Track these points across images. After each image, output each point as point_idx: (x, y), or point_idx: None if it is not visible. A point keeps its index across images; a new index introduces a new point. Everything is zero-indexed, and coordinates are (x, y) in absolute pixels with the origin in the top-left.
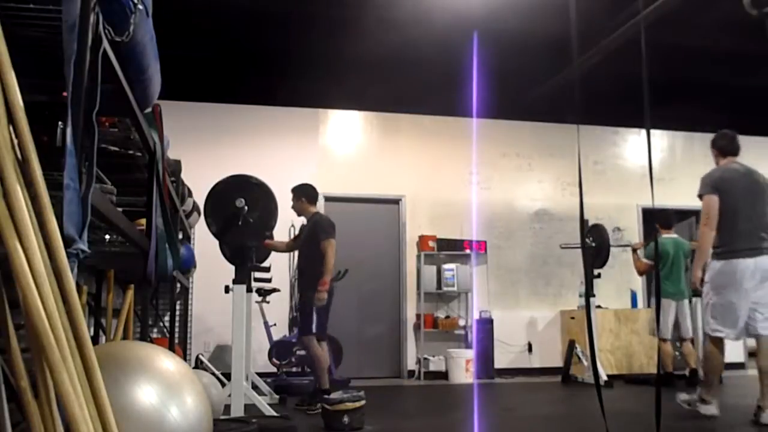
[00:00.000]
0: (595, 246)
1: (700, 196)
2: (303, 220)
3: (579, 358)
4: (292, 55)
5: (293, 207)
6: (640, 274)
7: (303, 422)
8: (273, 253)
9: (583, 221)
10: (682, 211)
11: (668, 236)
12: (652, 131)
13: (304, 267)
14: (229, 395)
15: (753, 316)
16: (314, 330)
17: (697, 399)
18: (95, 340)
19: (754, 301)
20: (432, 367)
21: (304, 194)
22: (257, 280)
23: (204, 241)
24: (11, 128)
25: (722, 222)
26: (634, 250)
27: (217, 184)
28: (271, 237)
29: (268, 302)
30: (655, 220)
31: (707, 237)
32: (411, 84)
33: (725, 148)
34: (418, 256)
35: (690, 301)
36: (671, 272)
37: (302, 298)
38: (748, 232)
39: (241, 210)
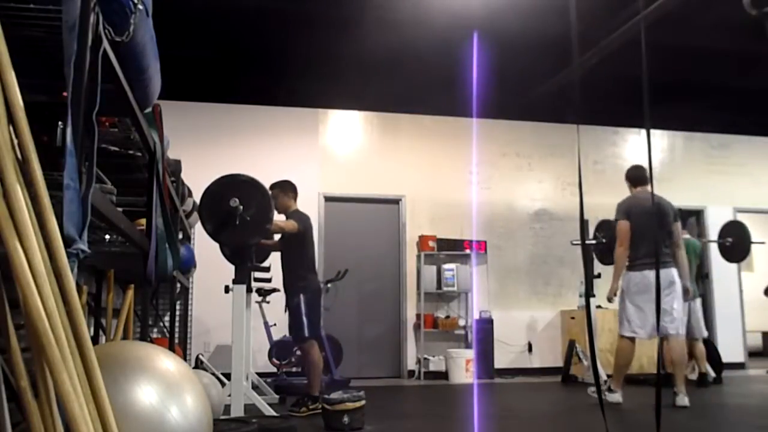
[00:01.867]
0: (605, 242)
1: (616, 221)
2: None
3: (579, 358)
4: (292, 55)
5: (277, 204)
6: None
7: (303, 422)
8: (273, 253)
9: (583, 221)
10: (681, 211)
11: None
12: (652, 131)
13: (285, 268)
14: (229, 395)
15: (661, 320)
16: (307, 334)
17: (606, 389)
18: (95, 340)
19: (662, 308)
20: (432, 367)
21: (291, 189)
22: (257, 280)
23: (204, 241)
24: (11, 128)
25: (633, 241)
26: None
27: (208, 188)
28: (271, 236)
29: (268, 302)
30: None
31: (622, 256)
32: (411, 84)
33: (636, 179)
34: (418, 256)
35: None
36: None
37: (289, 303)
38: (653, 249)
39: (236, 210)
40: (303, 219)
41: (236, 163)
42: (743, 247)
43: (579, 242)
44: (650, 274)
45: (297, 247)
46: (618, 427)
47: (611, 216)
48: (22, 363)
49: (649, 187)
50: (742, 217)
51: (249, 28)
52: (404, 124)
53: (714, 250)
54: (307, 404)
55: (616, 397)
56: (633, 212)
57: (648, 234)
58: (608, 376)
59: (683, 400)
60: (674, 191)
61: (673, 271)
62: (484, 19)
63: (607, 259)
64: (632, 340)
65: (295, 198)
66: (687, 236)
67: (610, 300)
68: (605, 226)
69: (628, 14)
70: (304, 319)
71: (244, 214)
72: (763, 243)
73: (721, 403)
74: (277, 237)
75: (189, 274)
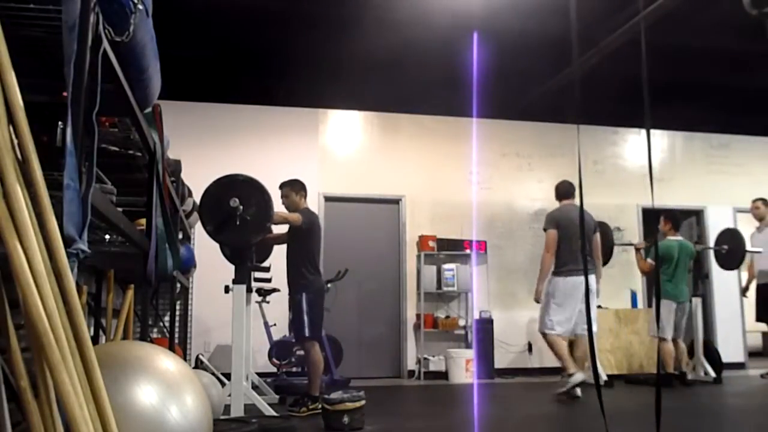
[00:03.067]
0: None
1: (545, 230)
2: None
3: None
4: (292, 55)
5: (286, 202)
6: (644, 273)
7: (303, 422)
8: (273, 253)
9: (583, 221)
10: (682, 211)
11: (674, 238)
12: (652, 131)
13: (289, 267)
14: (229, 395)
15: (576, 321)
16: (308, 334)
17: (565, 378)
18: (95, 340)
19: (579, 309)
20: (432, 367)
21: (302, 188)
22: (257, 280)
23: (204, 241)
24: (11, 128)
25: (560, 249)
26: (638, 250)
27: (208, 189)
28: (271, 231)
29: (268, 302)
30: (664, 221)
31: (548, 261)
32: (411, 84)
33: (563, 193)
34: (418, 256)
35: (690, 302)
36: (675, 274)
37: (291, 301)
38: (578, 257)
39: (236, 209)
40: (308, 215)
41: (236, 163)
42: (738, 254)
43: None
44: (574, 280)
45: (301, 244)
46: (618, 427)
47: (611, 216)
48: (22, 363)
49: (575, 201)
50: (741, 217)
51: (249, 28)
52: (404, 124)
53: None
54: (307, 404)
55: (577, 377)
56: (561, 224)
57: (575, 245)
58: (608, 376)
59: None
60: (674, 191)
61: (592, 279)
62: (484, 19)
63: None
64: (559, 336)
65: (304, 197)
66: (679, 238)
67: (537, 301)
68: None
69: (628, 14)
70: (305, 318)
71: (244, 214)
72: (760, 251)
73: (721, 403)
74: (283, 229)
75: (189, 274)
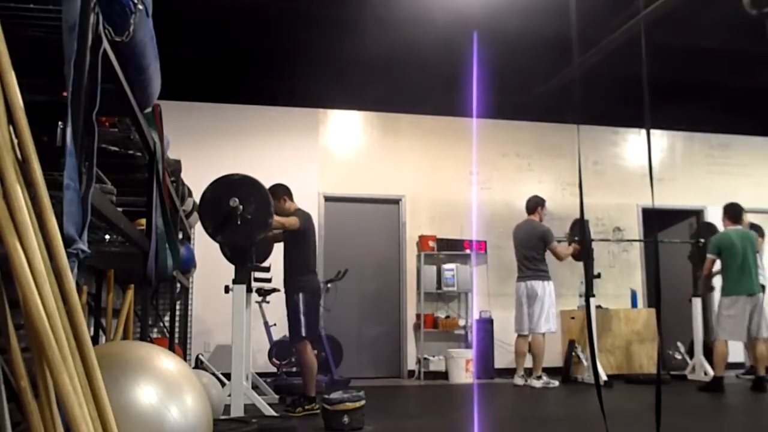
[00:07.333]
0: (577, 240)
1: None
2: None
3: (579, 358)
4: (292, 55)
5: (278, 210)
6: (706, 275)
7: (303, 422)
8: (273, 253)
9: (583, 221)
10: (681, 211)
11: (734, 228)
12: (652, 131)
13: (287, 267)
14: (229, 395)
15: (530, 322)
16: (304, 334)
17: (534, 378)
18: (95, 340)
19: (528, 313)
20: (432, 367)
21: (285, 192)
22: (257, 280)
23: (204, 241)
24: (11, 128)
25: (516, 258)
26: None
27: (205, 192)
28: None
29: (268, 302)
30: (723, 212)
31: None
32: (411, 84)
33: (527, 208)
34: (418, 256)
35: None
36: (743, 266)
37: (288, 301)
38: (524, 265)
39: (236, 209)
40: (304, 217)
41: (236, 163)
42: None
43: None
44: (519, 285)
45: (297, 244)
46: (618, 427)
47: (611, 216)
48: (22, 363)
49: (534, 216)
50: None
51: (249, 28)
52: (404, 124)
53: None
54: (303, 404)
55: (516, 381)
56: (514, 235)
57: (523, 254)
58: (608, 376)
59: (535, 382)
60: (674, 191)
61: (536, 284)
62: (484, 19)
63: (579, 256)
64: (524, 337)
65: (290, 198)
66: (740, 227)
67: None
68: (578, 226)
69: (628, 14)
70: (302, 318)
71: (244, 213)
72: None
73: (721, 403)
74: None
75: (189, 274)
